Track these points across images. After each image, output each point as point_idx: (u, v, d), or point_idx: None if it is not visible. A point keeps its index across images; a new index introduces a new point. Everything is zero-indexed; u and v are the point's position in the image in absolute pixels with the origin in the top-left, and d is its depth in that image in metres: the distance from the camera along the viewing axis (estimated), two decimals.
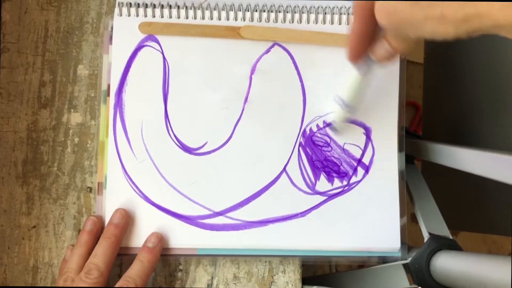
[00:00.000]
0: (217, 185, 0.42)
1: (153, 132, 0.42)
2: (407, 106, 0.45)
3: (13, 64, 0.44)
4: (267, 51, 0.43)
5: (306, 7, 0.43)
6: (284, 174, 0.43)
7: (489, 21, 0.24)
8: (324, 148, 0.43)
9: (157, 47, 0.42)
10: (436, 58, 0.77)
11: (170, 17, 0.42)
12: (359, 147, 0.43)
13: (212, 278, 0.44)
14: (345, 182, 0.43)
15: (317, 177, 0.43)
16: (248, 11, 0.43)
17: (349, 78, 0.38)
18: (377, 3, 0.29)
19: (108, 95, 0.42)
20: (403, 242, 0.43)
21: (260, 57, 0.43)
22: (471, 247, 0.97)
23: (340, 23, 0.43)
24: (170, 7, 0.42)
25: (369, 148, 0.43)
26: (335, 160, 0.43)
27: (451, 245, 0.42)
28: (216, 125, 0.42)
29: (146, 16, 0.42)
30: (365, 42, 0.33)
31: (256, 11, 0.43)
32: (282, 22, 0.43)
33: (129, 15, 0.42)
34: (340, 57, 0.41)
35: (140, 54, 0.42)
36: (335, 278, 0.62)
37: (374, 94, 0.43)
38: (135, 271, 0.38)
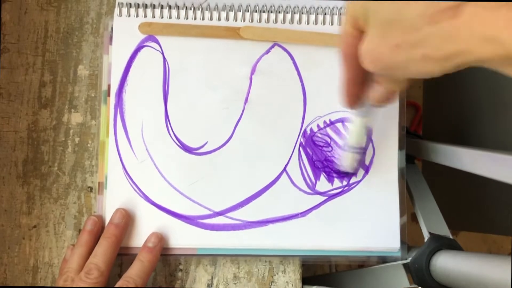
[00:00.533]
0: (217, 185, 0.42)
1: (153, 132, 0.42)
2: (407, 106, 0.45)
3: (13, 64, 0.44)
4: (267, 52, 0.43)
5: (306, 7, 0.43)
6: (284, 174, 0.43)
7: (470, 57, 0.24)
8: (324, 148, 0.43)
9: (157, 47, 0.42)
10: None
11: (170, 17, 0.42)
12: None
13: (212, 278, 0.44)
14: (345, 182, 0.43)
15: (317, 177, 0.43)
16: (248, 11, 0.43)
17: (352, 125, 0.39)
18: (361, 52, 0.29)
19: (109, 95, 0.42)
20: (403, 242, 0.43)
21: (260, 57, 0.43)
22: (471, 247, 0.97)
23: (340, 24, 0.43)
24: (170, 7, 0.42)
25: (370, 148, 0.43)
26: (335, 160, 0.43)
27: (451, 245, 0.42)
28: (216, 125, 0.42)
29: (146, 16, 0.42)
30: (358, 87, 0.33)
31: (256, 11, 0.43)
32: (282, 23, 0.43)
33: (129, 15, 0.42)
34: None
35: (140, 54, 0.42)
36: (335, 278, 0.62)
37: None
38: (135, 271, 0.38)
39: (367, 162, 0.43)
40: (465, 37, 0.23)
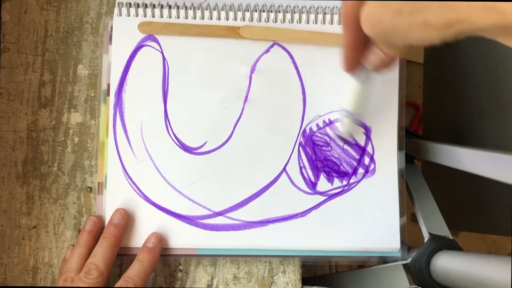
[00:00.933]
0: (217, 185, 0.42)
1: (153, 131, 0.42)
2: (407, 106, 0.45)
3: (13, 64, 0.44)
4: (267, 51, 0.43)
5: (305, 7, 0.43)
6: (284, 174, 0.42)
7: (469, 25, 0.24)
8: (324, 148, 0.43)
9: (157, 46, 0.42)
10: (436, 58, 0.77)
11: (170, 17, 0.42)
12: (359, 146, 0.43)
13: (212, 278, 0.44)
14: (345, 182, 0.43)
15: (317, 177, 0.43)
16: (248, 11, 0.43)
17: (349, 88, 0.38)
18: (362, 15, 0.29)
19: (108, 94, 0.42)
20: (403, 242, 0.43)
21: (260, 56, 0.43)
22: (471, 247, 0.97)
23: (340, 23, 0.43)
24: (170, 7, 0.42)
25: (369, 148, 0.43)
26: (335, 160, 0.43)
27: (451, 245, 0.42)
28: (216, 124, 0.42)
29: (145, 16, 0.42)
30: (358, 51, 0.33)
31: (256, 11, 0.43)
32: (281, 22, 0.43)
33: (128, 15, 0.42)
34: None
35: (139, 54, 0.42)
36: (335, 278, 0.62)
37: (374, 94, 0.43)
38: (134, 271, 0.38)
39: (366, 162, 0.43)
40: (465, 5, 0.24)
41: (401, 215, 0.43)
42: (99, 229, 0.41)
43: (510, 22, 0.23)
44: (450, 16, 0.24)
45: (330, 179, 0.43)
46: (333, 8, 0.43)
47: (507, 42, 0.25)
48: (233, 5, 0.43)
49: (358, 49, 0.33)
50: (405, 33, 0.27)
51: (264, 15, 0.43)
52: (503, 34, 0.24)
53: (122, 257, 0.41)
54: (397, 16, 0.27)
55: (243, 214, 0.42)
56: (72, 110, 0.44)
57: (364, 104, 0.40)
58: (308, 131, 0.43)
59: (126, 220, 0.41)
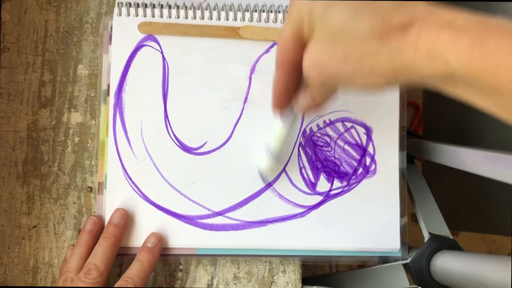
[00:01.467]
0: (217, 185, 0.42)
1: (153, 131, 0.42)
2: (407, 106, 0.45)
3: (13, 64, 0.44)
4: (267, 51, 0.43)
5: None
6: (283, 174, 0.42)
7: (415, 74, 0.24)
8: (324, 148, 0.43)
9: (157, 47, 0.42)
10: None
11: (170, 17, 0.42)
12: (360, 147, 0.43)
13: (212, 278, 0.44)
14: (345, 183, 0.43)
15: (317, 177, 0.43)
16: (248, 11, 0.43)
17: (275, 128, 0.38)
18: (306, 59, 0.29)
19: (108, 94, 0.42)
20: (403, 242, 0.43)
21: (260, 57, 0.43)
22: (471, 247, 0.96)
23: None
24: (170, 7, 0.42)
25: (370, 148, 0.43)
26: (335, 160, 0.43)
27: (451, 245, 0.42)
28: (215, 125, 0.42)
29: (145, 16, 0.42)
30: (290, 92, 0.33)
31: (256, 11, 0.43)
32: (281, 22, 0.43)
33: (128, 15, 0.42)
34: None
35: (139, 54, 0.42)
36: (335, 278, 0.62)
37: (374, 94, 0.43)
38: (134, 271, 0.38)
39: (367, 163, 0.43)
40: (411, 54, 0.24)
41: (402, 215, 0.43)
42: (99, 229, 0.41)
43: (453, 71, 0.23)
44: (396, 64, 0.24)
45: (330, 180, 0.43)
46: None
47: (452, 91, 0.25)
48: (233, 5, 0.43)
49: (291, 90, 0.33)
50: (350, 79, 0.27)
51: (264, 15, 0.43)
52: (448, 83, 0.24)
53: (122, 257, 0.42)
54: (344, 62, 0.26)
55: (242, 214, 0.42)
56: (72, 110, 0.44)
57: (285, 146, 0.40)
58: (308, 132, 0.43)
59: (126, 220, 0.41)
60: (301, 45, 0.29)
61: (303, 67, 0.29)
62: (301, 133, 0.43)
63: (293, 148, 0.43)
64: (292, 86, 0.32)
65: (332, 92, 0.32)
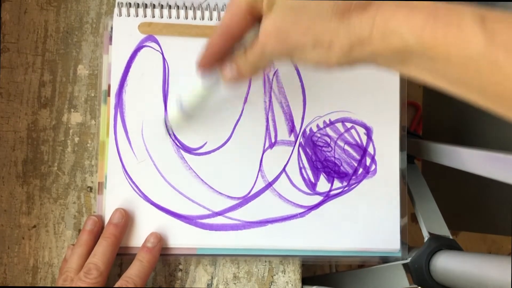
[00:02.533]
0: (217, 185, 0.42)
1: (153, 132, 0.42)
2: (407, 106, 0.45)
3: (13, 64, 0.44)
4: None
5: None
6: (283, 174, 0.42)
7: (369, 48, 0.26)
8: (324, 148, 0.43)
9: (157, 47, 0.42)
10: None
11: (170, 17, 0.42)
12: (360, 147, 0.43)
13: (212, 278, 0.44)
14: (345, 183, 0.43)
15: (317, 177, 0.43)
16: None
17: (193, 84, 0.37)
18: (266, 26, 0.29)
19: (109, 95, 0.42)
20: (403, 242, 0.43)
21: None
22: (471, 247, 0.96)
23: None
24: (170, 7, 0.42)
25: (370, 148, 0.43)
26: (335, 161, 0.43)
27: (451, 245, 0.42)
28: (215, 125, 0.42)
29: (145, 16, 0.42)
30: (219, 58, 0.33)
31: None
32: None
33: (128, 15, 0.42)
34: None
35: (140, 54, 0.42)
36: (335, 278, 0.62)
37: (374, 94, 0.43)
38: (134, 271, 0.38)
39: (367, 163, 0.43)
40: (368, 29, 0.25)
41: (402, 215, 0.43)
42: (99, 229, 0.41)
43: (407, 46, 0.24)
44: (352, 39, 0.26)
45: (330, 180, 0.43)
46: None
47: (403, 69, 0.26)
48: None
49: (221, 54, 0.33)
50: (308, 52, 0.28)
51: None
52: (401, 61, 0.25)
53: (122, 256, 0.42)
54: (307, 33, 0.27)
55: (242, 214, 0.42)
56: (72, 110, 0.44)
57: (200, 109, 0.40)
58: (308, 132, 0.43)
59: (126, 220, 0.41)
60: (252, 15, 0.30)
61: (260, 34, 0.29)
62: (301, 133, 0.43)
63: (293, 148, 0.43)
64: (224, 53, 0.33)
65: (263, 68, 0.32)
